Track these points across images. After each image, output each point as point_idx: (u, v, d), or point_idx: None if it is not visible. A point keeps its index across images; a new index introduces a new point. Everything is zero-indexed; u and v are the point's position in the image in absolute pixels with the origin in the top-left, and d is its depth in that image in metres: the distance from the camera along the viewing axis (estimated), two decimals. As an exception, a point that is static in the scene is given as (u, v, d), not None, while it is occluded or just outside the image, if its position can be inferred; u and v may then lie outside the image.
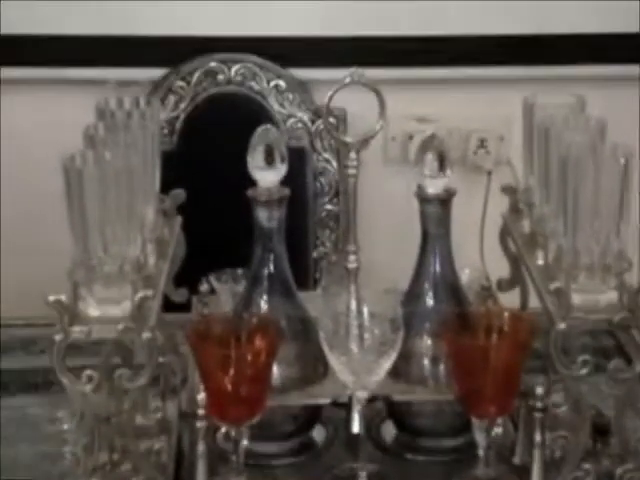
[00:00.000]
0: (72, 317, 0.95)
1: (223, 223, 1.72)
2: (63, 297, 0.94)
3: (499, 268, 1.25)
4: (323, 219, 1.89)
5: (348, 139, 1.06)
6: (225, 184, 1.75)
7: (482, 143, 1.95)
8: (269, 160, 1.06)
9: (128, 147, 1.00)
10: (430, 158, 1.06)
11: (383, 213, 1.91)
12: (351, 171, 1.06)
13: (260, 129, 1.08)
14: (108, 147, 1.00)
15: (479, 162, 1.95)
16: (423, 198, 1.08)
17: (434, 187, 1.07)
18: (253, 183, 1.10)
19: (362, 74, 1.05)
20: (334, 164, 1.86)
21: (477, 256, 1.86)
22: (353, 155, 1.06)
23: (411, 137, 1.93)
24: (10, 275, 1.93)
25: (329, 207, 1.88)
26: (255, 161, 1.07)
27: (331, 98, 1.06)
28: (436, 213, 1.08)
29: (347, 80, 1.06)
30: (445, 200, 1.07)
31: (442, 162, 1.06)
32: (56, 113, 1.88)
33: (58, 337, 0.95)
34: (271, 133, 1.08)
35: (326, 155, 1.86)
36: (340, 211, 1.88)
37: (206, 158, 1.80)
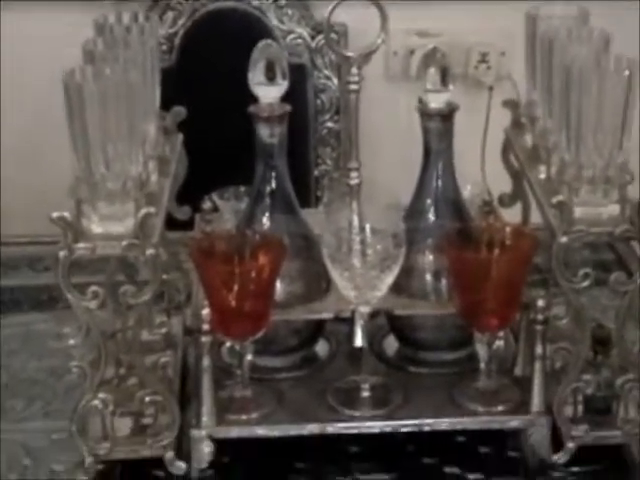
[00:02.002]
0: (76, 234, 0.96)
1: (224, 140, 1.71)
2: (67, 214, 0.94)
3: (500, 183, 1.25)
4: (324, 137, 1.88)
5: (349, 54, 1.05)
6: (225, 100, 1.74)
7: (483, 58, 1.93)
8: (270, 76, 1.05)
9: (127, 63, 0.99)
10: (432, 72, 1.05)
11: (385, 129, 1.91)
12: (353, 87, 1.06)
13: (261, 44, 1.07)
14: (107, 63, 0.99)
15: (480, 77, 1.93)
16: (425, 113, 1.08)
17: (436, 102, 1.06)
18: (254, 99, 1.09)
19: (365, -14, 1.03)
20: (335, 81, 1.85)
21: (478, 172, 1.86)
22: (355, 70, 1.05)
23: (412, 52, 1.91)
24: (15, 193, 1.94)
25: (330, 125, 1.88)
26: (256, 77, 1.06)
27: (332, 12, 1.05)
28: (438, 128, 1.07)
29: (350, -6, 1.04)
30: (447, 115, 1.07)
31: (444, 76, 1.05)
32: (54, 29, 1.86)
33: (62, 254, 0.95)
34: (272, 48, 1.06)
35: (327, 72, 1.85)
36: (341, 128, 1.87)
37: (205, 74, 1.78)
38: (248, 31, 1.80)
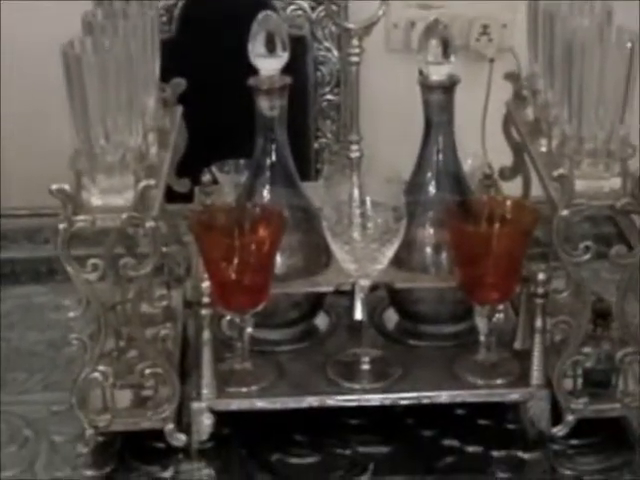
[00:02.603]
0: (76, 206, 0.95)
1: (224, 112, 1.71)
2: (66, 186, 0.94)
3: (501, 157, 1.24)
4: (324, 109, 1.88)
5: (350, 26, 1.04)
6: (224, 72, 1.73)
7: (485, 30, 1.92)
8: (270, 47, 1.05)
9: (127, 34, 0.98)
10: (434, 44, 1.05)
11: (385, 102, 1.90)
12: (353, 59, 1.05)
13: (260, 16, 1.06)
14: (107, 34, 0.98)
15: (481, 49, 1.92)
16: (426, 85, 1.07)
17: (437, 74, 1.06)
18: (254, 71, 1.09)
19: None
20: (335, 53, 1.84)
21: (479, 145, 1.86)
22: (355, 42, 1.04)
23: (413, 24, 1.90)
24: (14, 166, 1.93)
25: (330, 97, 1.87)
26: (256, 49, 1.05)
27: (333, -17, 1.04)
28: (439, 101, 1.07)
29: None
30: (448, 87, 1.06)
31: (446, 48, 1.04)
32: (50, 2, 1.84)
33: (62, 226, 0.95)
34: (272, 20, 1.06)
35: (327, 44, 1.84)
36: (341, 101, 1.86)
37: (204, 46, 1.77)
38: (248, 2, 1.78)
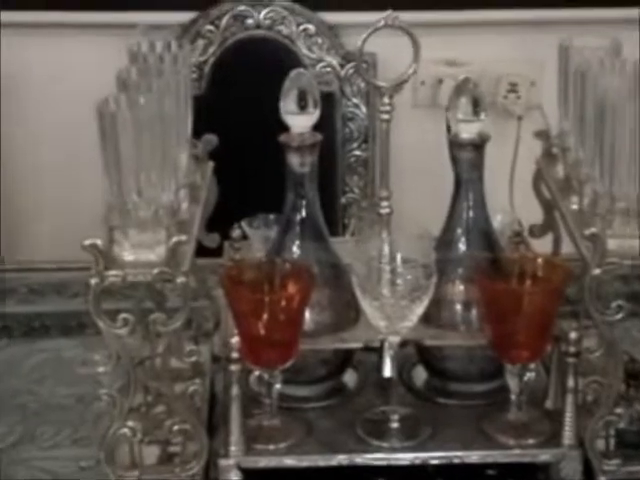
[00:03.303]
0: (107, 261, 0.96)
1: (253, 168, 1.72)
2: (98, 241, 0.95)
3: (529, 214, 1.24)
4: (352, 165, 1.89)
5: (381, 83, 1.05)
6: (254, 129, 1.75)
7: (513, 87, 1.93)
8: (302, 105, 1.06)
9: (161, 91, 1.00)
10: (464, 102, 1.05)
11: (412, 157, 1.91)
12: (384, 116, 1.06)
13: (293, 73, 1.07)
14: (141, 91, 0.99)
15: (509, 107, 1.93)
16: (456, 143, 1.08)
17: (468, 132, 1.06)
18: (283, 127, 1.09)
19: (396, 17, 1.04)
20: (363, 109, 1.86)
21: (506, 202, 1.86)
22: (386, 100, 1.05)
23: (441, 81, 1.91)
24: (43, 219, 1.95)
25: (358, 153, 1.88)
26: (287, 106, 1.06)
27: (365, 41, 1.05)
28: (469, 158, 1.07)
29: (381, 23, 1.05)
30: (479, 145, 1.07)
31: (476, 106, 1.05)
32: (85, 57, 1.88)
33: (94, 281, 0.95)
34: (304, 77, 1.07)
35: (355, 100, 1.86)
36: (369, 157, 1.87)
37: (234, 103, 1.79)
38: (278, 60, 1.81)
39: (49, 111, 1.91)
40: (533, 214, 1.24)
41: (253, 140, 1.69)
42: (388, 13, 1.05)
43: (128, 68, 1.06)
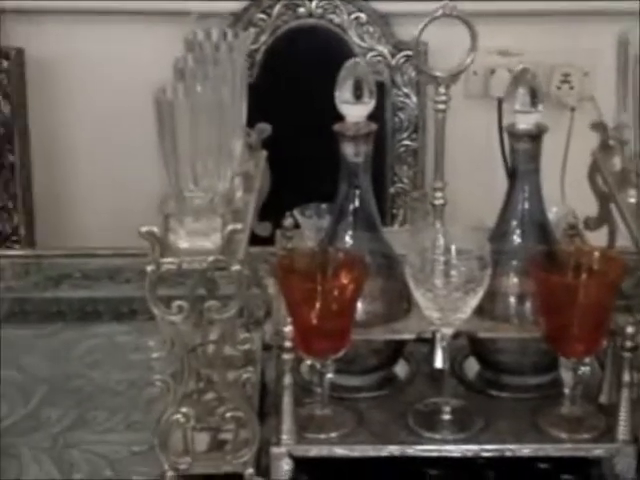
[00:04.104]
0: (163, 248, 0.96)
1: (304, 157, 1.72)
2: (155, 229, 0.95)
3: (580, 206, 1.23)
4: (401, 155, 1.88)
5: (438, 73, 1.04)
6: (305, 117, 1.76)
7: (566, 78, 1.91)
8: (358, 94, 1.05)
9: (217, 80, 1.00)
10: (522, 93, 1.04)
11: (463, 149, 1.89)
12: (440, 106, 1.05)
13: (349, 62, 1.07)
14: (198, 80, 1.00)
15: (562, 98, 1.91)
16: (513, 134, 1.07)
17: (525, 123, 1.05)
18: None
19: (454, 6, 1.03)
20: (414, 99, 1.85)
21: (558, 194, 1.84)
22: (442, 90, 1.04)
23: (493, 71, 1.90)
24: (95, 208, 1.97)
25: (407, 143, 1.87)
26: (343, 95, 1.06)
27: (422, 31, 1.04)
28: (526, 149, 1.06)
29: (439, 12, 1.04)
30: (536, 136, 1.06)
31: (534, 97, 1.04)
32: (137, 45, 1.89)
33: (150, 268, 0.96)
34: (360, 67, 1.06)
35: (406, 90, 1.85)
36: (419, 147, 1.87)
37: (285, 91, 1.79)
38: (329, 48, 1.81)
39: (99, 98, 1.92)
40: (585, 206, 1.23)
41: (304, 129, 1.69)
42: (445, 2, 1.04)
43: (185, 56, 1.06)
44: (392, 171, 1.87)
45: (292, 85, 1.79)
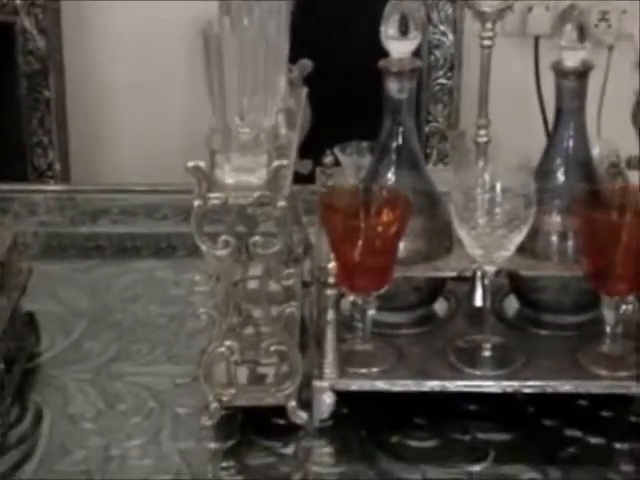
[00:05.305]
0: (209, 184, 0.97)
1: (343, 94, 1.71)
2: (202, 164, 0.95)
3: (617, 146, 1.22)
4: (436, 93, 1.87)
5: (486, 9, 1.03)
6: (343, 54, 1.74)
7: (604, 16, 1.88)
8: (403, 30, 1.04)
9: (263, 14, 0.99)
10: (569, 29, 1.03)
11: (499, 87, 1.88)
12: (486, 42, 1.05)
13: (394, -1, 1.06)
14: (244, 14, 0.99)
15: (600, 36, 1.89)
16: (560, 71, 1.06)
17: (572, 60, 1.04)
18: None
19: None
20: (450, 37, 1.83)
21: (594, 133, 1.83)
22: (489, 25, 1.03)
23: (530, 9, 1.87)
24: (129, 143, 1.97)
25: (443, 81, 1.86)
26: (388, 31, 1.05)
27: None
28: (572, 87, 1.06)
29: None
30: (582, 73, 1.05)
31: (582, 33, 1.03)
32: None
33: (197, 203, 0.96)
34: (406, 2, 1.05)
35: (442, 27, 1.83)
36: (454, 85, 1.85)
37: (322, 28, 1.78)
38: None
39: (134, 34, 1.91)
40: (622, 146, 1.22)
41: (343, 65, 1.68)
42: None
43: (229, -10, 1.05)
44: (427, 109, 1.86)
45: (328, 22, 1.78)
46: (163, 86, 1.90)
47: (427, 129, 1.86)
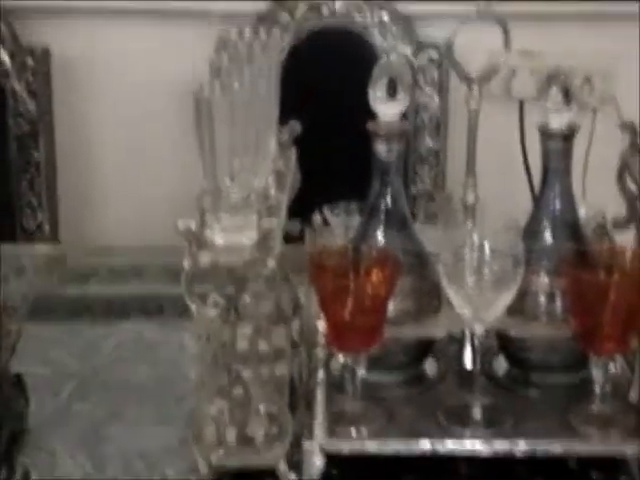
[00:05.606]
0: (199, 244, 0.97)
1: (329, 156, 1.73)
2: (192, 224, 0.96)
3: (601, 207, 1.24)
4: (422, 155, 1.89)
5: (472, 73, 1.05)
6: (328, 116, 1.77)
7: (587, 80, 1.91)
8: (391, 92, 1.06)
9: (253, 77, 1.01)
10: (555, 91, 1.05)
11: (484, 148, 1.90)
12: (473, 106, 1.06)
13: (383, 60, 1.08)
14: (234, 77, 1.00)
15: (584, 99, 1.91)
16: (546, 133, 1.07)
17: (558, 122, 1.06)
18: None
19: (489, 7, 1.04)
20: (436, 99, 1.85)
21: (579, 194, 1.84)
22: (475, 89, 1.05)
23: (514, 72, 1.90)
24: (120, 205, 1.98)
25: (429, 143, 1.88)
26: (377, 93, 1.07)
27: (456, 31, 1.05)
28: (558, 148, 1.07)
29: (473, 13, 1.05)
30: (569, 135, 1.06)
31: (567, 96, 1.05)
32: (162, 44, 1.90)
33: (187, 263, 0.97)
34: (394, 65, 1.07)
35: (428, 90, 1.85)
36: (440, 147, 1.87)
37: (310, 91, 1.80)
38: (352, 49, 1.82)
39: (123, 96, 1.93)
40: (606, 206, 1.23)
41: (328, 127, 1.70)
42: (480, 3, 1.05)
43: (220, 55, 1.07)
44: (413, 170, 1.88)
45: (315, 85, 1.80)
46: (151, 149, 1.92)
47: (414, 190, 1.88)
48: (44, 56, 1.84)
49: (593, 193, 1.73)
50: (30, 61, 1.82)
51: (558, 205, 1.09)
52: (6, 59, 1.81)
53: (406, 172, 1.87)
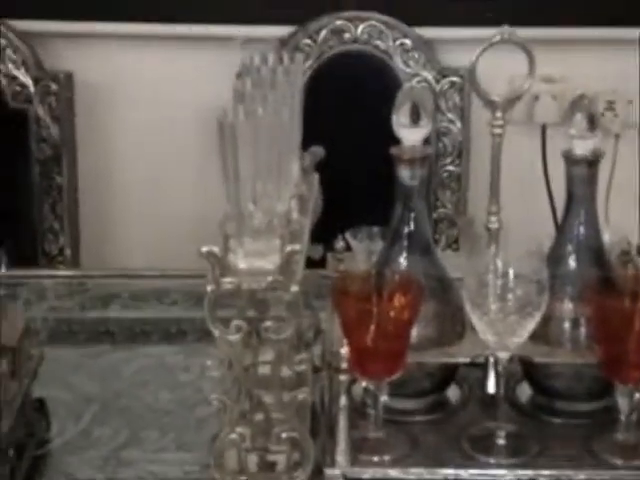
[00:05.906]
0: (222, 268, 0.97)
1: (350, 181, 1.73)
2: (215, 249, 0.96)
3: (625, 232, 1.23)
4: (444, 180, 1.88)
5: (496, 98, 1.05)
6: (351, 141, 1.77)
7: (610, 105, 1.91)
8: (414, 118, 1.06)
9: (277, 102, 1.01)
10: (579, 118, 1.05)
11: (506, 173, 1.90)
12: (497, 130, 1.06)
13: (406, 87, 1.08)
14: (257, 102, 1.01)
15: (607, 125, 1.91)
16: (570, 159, 1.07)
17: (582, 148, 1.05)
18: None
19: (513, 32, 1.04)
20: (458, 124, 1.85)
21: (602, 220, 1.84)
22: (499, 114, 1.05)
23: (537, 97, 1.90)
24: (142, 230, 1.98)
25: (451, 168, 1.88)
26: (400, 119, 1.07)
27: (479, 56, 1.05)
28: (583, 175, 1.07)
29: (497, 38, 1.05)
30: (593, 161, 1.06)
31: (592, 122, 1.04)
32: (185, 69, 1.91)
33: (210, 287, 0.97)
34: (417, 91, 1.07)
35: (450, 115, 1.85)
36: (462, 172, 1.87)
37: (331, 116, 1.80)
38: (373, 73, 1.82)
39: (146, 122, 1.93)
40: (629, 232, 1.23)
41: (350, 152, 1.70)
42: (503, 28, 1.05)
43: (243, 80, 1.07)
44: (435, 196, 1.88)
45: (338, 110, 1.81)
46: (174, 173, 1.92)
47: (435, 215, 1.88)
48: (67, 81, 1.85)
49: (616, 218, 1.73)
50: (53, 86, 1.82)
51: (582, 231, 1.08)
52: (29, 84, 1.83)
53: (428, 196, 1.87)
